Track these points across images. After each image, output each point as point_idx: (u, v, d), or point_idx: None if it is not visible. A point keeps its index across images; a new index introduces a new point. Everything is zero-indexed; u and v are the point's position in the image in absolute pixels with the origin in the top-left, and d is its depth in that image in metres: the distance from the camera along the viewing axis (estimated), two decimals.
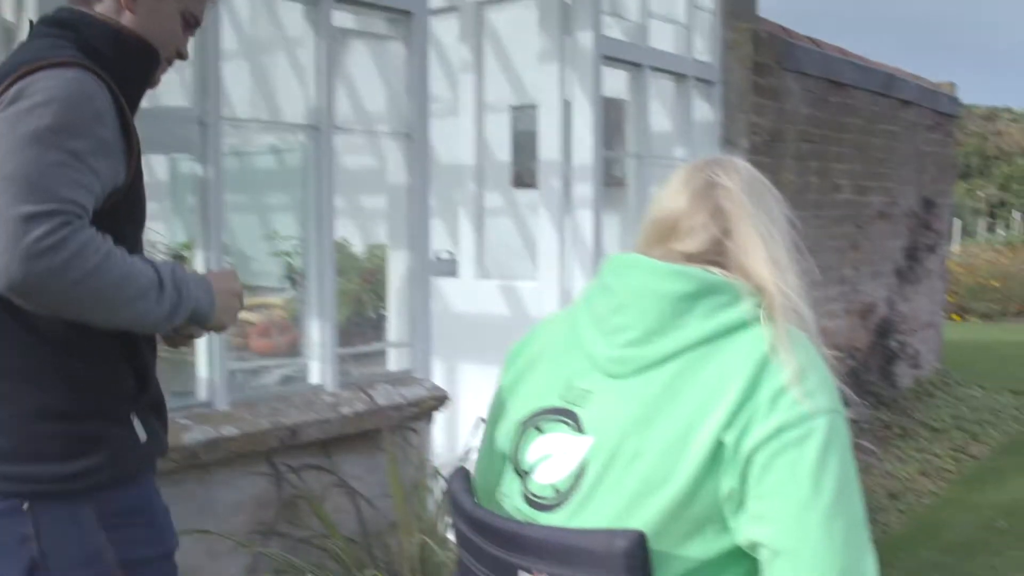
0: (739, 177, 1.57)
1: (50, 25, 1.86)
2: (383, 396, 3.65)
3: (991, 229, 22.95)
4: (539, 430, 1.53)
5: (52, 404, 1.76)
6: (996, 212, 25.49)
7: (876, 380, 7.50)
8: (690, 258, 1.52)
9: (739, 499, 1.37)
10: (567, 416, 1.50)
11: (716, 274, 1.49)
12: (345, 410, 3.48)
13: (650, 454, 1.40)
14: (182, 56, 2.01)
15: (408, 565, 3.24)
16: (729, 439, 1.36)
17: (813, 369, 1.42)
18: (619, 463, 1.42)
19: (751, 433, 1.36)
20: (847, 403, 1.47)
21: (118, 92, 1.76)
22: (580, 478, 1.45)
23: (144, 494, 1.90)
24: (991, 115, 27.76)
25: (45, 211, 1.56)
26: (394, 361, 4.01)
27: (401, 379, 3.87)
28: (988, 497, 5.64)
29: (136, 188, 1.85)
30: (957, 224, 19.34)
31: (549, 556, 1.42)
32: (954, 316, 14.04)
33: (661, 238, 1.57)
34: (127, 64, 1.85)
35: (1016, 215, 24.75)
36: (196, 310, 1.79)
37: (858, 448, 4.83)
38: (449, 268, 5.84)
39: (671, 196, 1.59)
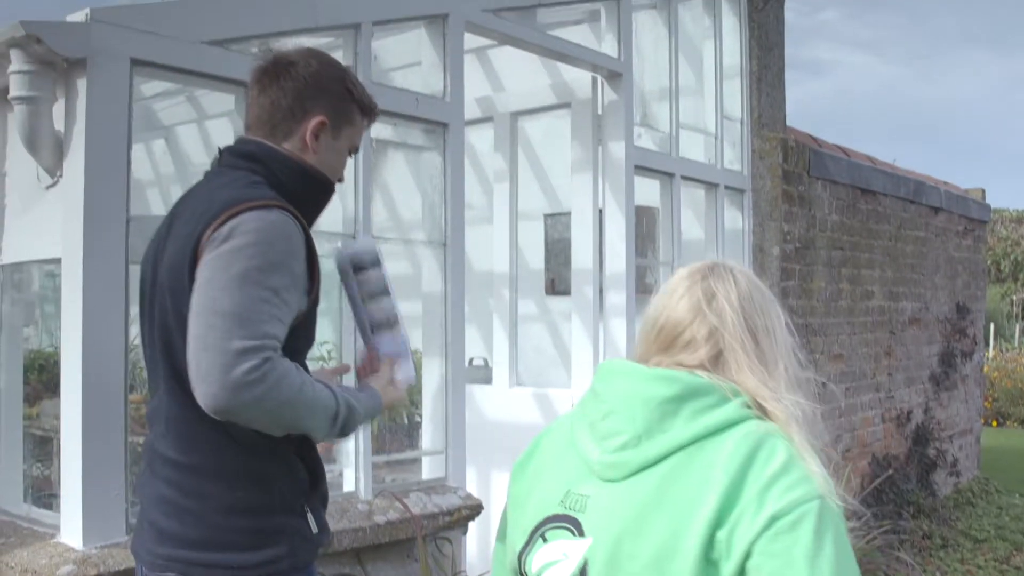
0: (738, 292, 1.61)
1: (241, 157, 2.10)
2: (417, 504, 3.63)
3: None
4: (544, 539, 1.58)
5: (240, 500, 1.95)
6: None
7: (915, 489, 7.37)
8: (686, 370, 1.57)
9: None
10: (569, 522, 1.55)
11: (702, 376, 1.53)
12: (379, 518, 3.46)
13: (645, 555, 1.44)
14: (341, 180, 2.26)
15: None
16: (721, 535, 1.40)
17: (797, 463, 1.45)
18: (617, 565, 1.46)
19: (743, 526, 1.39)
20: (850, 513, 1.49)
21: (307, 227, 2.00)
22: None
23: None
24: (1021, 219, 27.71)
25: (253, 347, 1.78)
26: (428, 469, 4.00)
27: (435, 487, 3.85)
28: None
29: (313, 311, 2.07)
30: (991, 329, 19.17)
31: None
32: (992, 422, 13.83)
33: (661, 348, 1.62)
34: (309, 197, 2.12)
35: None
36: (358, 428, 2.07)
37: (898, 561, 4.73)
38: (483, 375, 5.85)
39: (673, 304, 1.63)
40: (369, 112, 2.26)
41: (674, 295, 1.64)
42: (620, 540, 1.47)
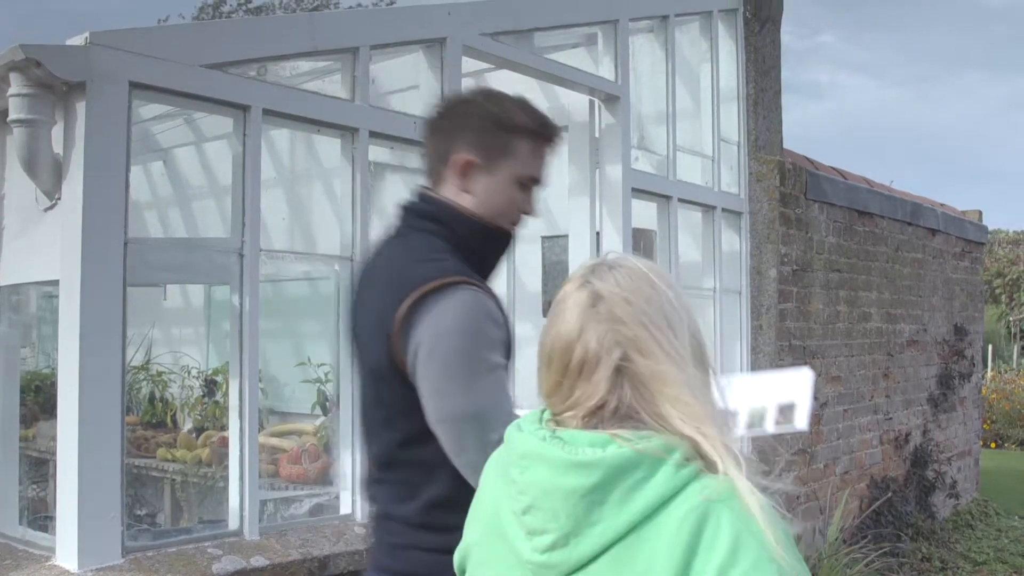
0: (623, 289, 1.39)
1: (422, 218, 2.06)
2: None
3: None
4: None
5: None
6: None
7: (914, 511, 7.35)
8: (598, 416, 1.37)
9: None
10: None
11: (622, 446, 1.32)
12: None
13: None
14: (528, 213, 2.15)
15: None
16: None
17: (747, 542, 1.26)
18: None
19: None
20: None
21: (494, 294, 1.98)
22: None
23: None
24: (1017, 239, 27.74)
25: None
26: None
27: None
28: None
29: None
30: (990, 350, 19.16)
31: None
32: (991, 444, 13.81)
33: (558, 383, 1.41)
34: (488, 251, 2.09)
35: None
36: None
37: None
38: None
39: (557, 320, 1.42)
40: (540, 135, 2.13)
41: (556, 310, 1.43)
42: None
